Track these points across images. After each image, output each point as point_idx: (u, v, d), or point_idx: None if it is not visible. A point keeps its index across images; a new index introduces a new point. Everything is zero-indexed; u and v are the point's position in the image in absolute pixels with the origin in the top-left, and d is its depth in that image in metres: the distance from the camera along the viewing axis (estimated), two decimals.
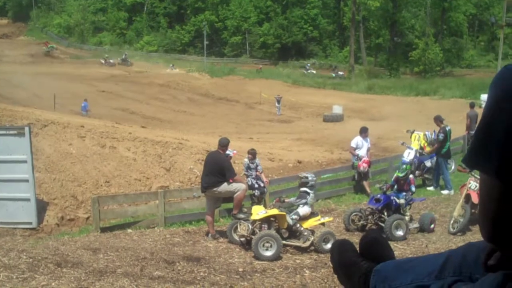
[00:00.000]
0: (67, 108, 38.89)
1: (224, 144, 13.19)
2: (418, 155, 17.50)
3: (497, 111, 1.45)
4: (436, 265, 1.99)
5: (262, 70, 79.15)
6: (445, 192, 17.50)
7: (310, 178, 12.51)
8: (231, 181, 12.54)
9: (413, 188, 13.88)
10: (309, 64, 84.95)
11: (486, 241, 1.67)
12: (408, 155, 16.42)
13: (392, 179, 14.35)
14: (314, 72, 79.24)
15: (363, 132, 18.14)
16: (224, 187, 12.48)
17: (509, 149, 1.43)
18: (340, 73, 77.26)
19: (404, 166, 14.20)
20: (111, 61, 77.53)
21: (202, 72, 71.92)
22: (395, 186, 13.63)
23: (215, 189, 12.51)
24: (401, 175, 13.77)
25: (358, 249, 2.32)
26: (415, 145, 18.07)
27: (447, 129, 17.88)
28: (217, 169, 12.55)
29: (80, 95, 44.63)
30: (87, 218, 15.78)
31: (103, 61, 76.94)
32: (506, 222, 1.56)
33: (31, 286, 8.41)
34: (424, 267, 2.02)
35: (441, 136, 17.68)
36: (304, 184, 12.42)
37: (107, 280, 8.93)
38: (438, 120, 17.99)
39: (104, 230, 13.50)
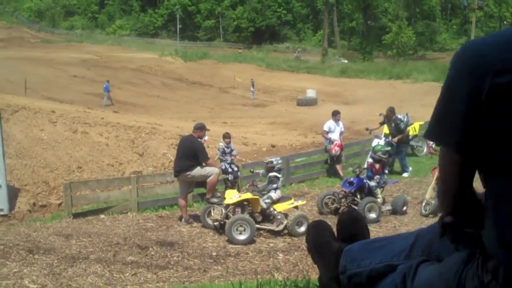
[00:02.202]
0: (38, 93, 38.46)
1: (197, 127, 13.13)
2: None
3: (458, 85, 1.53)
4: (406, 244, 2.02)
5: (241, 53, 78.28)
6: (405, 174, 17.76)
7: (275, 162, 12.48)
8: (204, 165, 12.49)
9: (386, 171, 14.02)
10: (299, 49, 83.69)
11: (445, 211, 1.71)
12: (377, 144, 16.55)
13: (365, 165, 14.45)
14: (302, 58, 77.69)
15: (335, 115, 18.24)
16: (197, 171, 12.42)
17: (470, 123, 1.47)
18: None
19: (379, 146, 14.29)
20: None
21: (175, 56, 71.32)
22: (369, 171, 13.71)
23: (188, 173, 12.45)
24: (388, 148, 13.97)
25: (336, 227, 2.35)
26: (386, 130, 18.23)
27: (399, 117, 18.14)
28: (191, 152, 12.48)
29: (51, 80, 44.15)
30: (59, 204, 15.64)
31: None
32: (462, 193, 1.61)
33: (3, 273, 8.32)
34: (394, 246, 2.05)
35: (402, 125, 17.87)
36: (271, 169, 12.40)
37: (79, 266, 8.87)
38: (392, 112, 18.12)
39: (76, 216, 13.38)
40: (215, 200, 12.37)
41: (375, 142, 16.64)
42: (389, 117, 18.06)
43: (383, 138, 17.35)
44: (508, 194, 1.50)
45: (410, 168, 18.00)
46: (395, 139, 17.56)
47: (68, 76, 50.00)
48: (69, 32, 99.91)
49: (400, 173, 17.91)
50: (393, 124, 17.87)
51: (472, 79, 1.48)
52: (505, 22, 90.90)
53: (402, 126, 17.85)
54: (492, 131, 1.46)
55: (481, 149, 1.50)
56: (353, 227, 2.34)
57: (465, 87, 1.49)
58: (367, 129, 19.21)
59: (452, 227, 1.71)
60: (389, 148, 14.58)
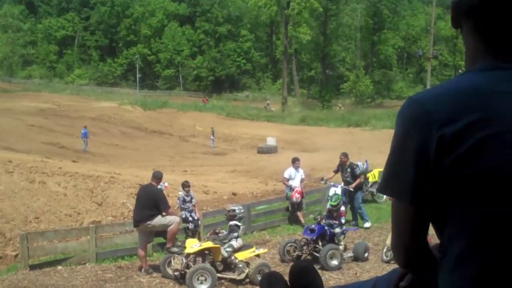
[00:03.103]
0: None
1: (157, 177, 13.08)
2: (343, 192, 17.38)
3: (406, 140, 1.55)
4: None
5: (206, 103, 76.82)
6: (366, 224, 17.44)
7: (237, 211, 12.50)
8: (165, 213, 12.38)
9: (343, 220, 13.96)
10: (269, 102, 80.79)
11: (401, 266, 1.72)
12: (334, 193, 16.54)
13: (325, 211, 14.47)
14: (273, 109, 75.28)
15: (294, 162, 18.25)
16: (158, 220, 12.30)
17: (421, 175, 1.49)
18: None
19: (335, 196, 14.35)
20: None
21: (135, 105, 71.10)
22: (327, 217, 13.72)
23: (148, 222, 12.31)
24: (334, 203, 13.91)
25: (288, 279, 2.32)
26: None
27: (358, 163, 18.29)
28: (151, 201, 12.38)
29: (8, 130, 43.55)
30: (16, 256, 15.30)
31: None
32: (418, 247, 1.62)
33: None
34: None
35: (357, 171, 17.91)
36: (232, 217, 12.40)
37: None
38: (346, 157, 18.17)
39: (33, 267, 13.06)
40: (175, 249, 12.22)
41: (332, 190, 16.67)
42: (343, 162, 18.06)
43: (339, 186, 17.37)
44: (464, 239, 1.50)
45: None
46: (352, 186, 17.51)
47: (25, 125, 49.36)
48: (27, 81, 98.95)
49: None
50: (348, 170, 17.85)
51: (419, 133, 1.50)
52: (460, 71, 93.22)
53: (357, 171, 17.86)
54: (444, 179, 1.48)
55: (435, 197, 1.51)
56: (304, 277, 2.32)
57: (413, 141, 1.51)
58: (322, 179, 19.25)
59: None
60: (340, 198, 14.54)
